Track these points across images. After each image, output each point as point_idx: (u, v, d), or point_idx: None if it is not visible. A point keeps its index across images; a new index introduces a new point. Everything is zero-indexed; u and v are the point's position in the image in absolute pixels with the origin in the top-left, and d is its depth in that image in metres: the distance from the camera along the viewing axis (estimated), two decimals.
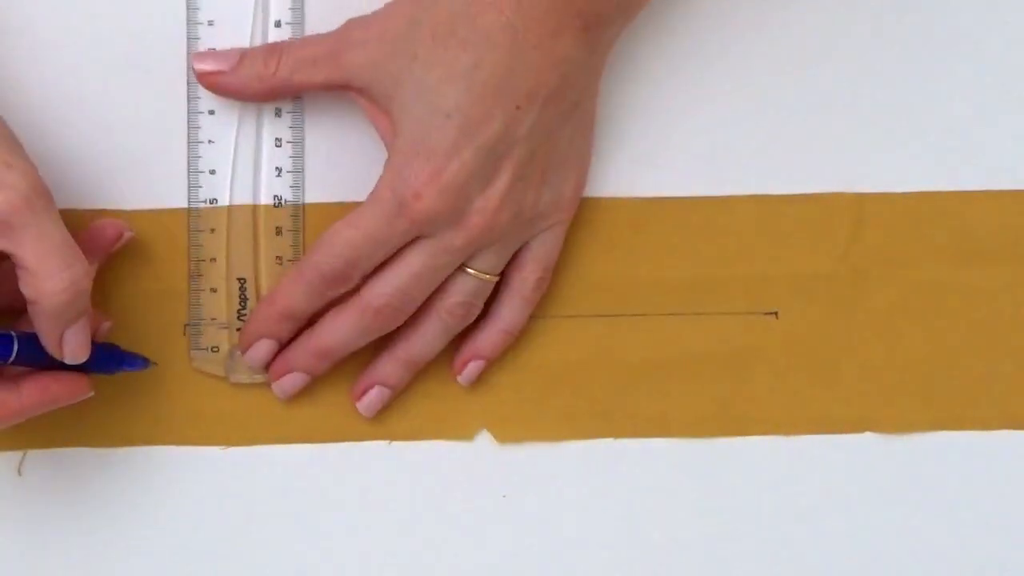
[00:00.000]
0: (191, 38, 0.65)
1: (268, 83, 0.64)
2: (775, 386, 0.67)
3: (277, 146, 0.66)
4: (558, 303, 0.67)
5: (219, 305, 0.66)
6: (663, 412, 0.67)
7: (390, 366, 0.66)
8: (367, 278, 0.63)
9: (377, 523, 0.67)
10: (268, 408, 0.67)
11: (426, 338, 0.65)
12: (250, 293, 0.66)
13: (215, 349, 0.66)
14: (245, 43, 0.65)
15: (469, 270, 0.64)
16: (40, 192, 0.59)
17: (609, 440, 0.67)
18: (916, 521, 0.67)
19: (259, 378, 0.66)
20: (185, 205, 0.66)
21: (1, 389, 0.61)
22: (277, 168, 0.66)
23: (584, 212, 0.67)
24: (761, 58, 0.67)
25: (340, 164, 0.66)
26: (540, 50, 0.60)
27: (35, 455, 0.67)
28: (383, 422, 0.67)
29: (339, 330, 0.64)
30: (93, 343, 0.61)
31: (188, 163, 0.66)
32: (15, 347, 0.60)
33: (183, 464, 0.67)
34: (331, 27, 0.63)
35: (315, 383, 0.66)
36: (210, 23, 0.65)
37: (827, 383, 0.67)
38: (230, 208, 0.66)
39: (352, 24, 0.63)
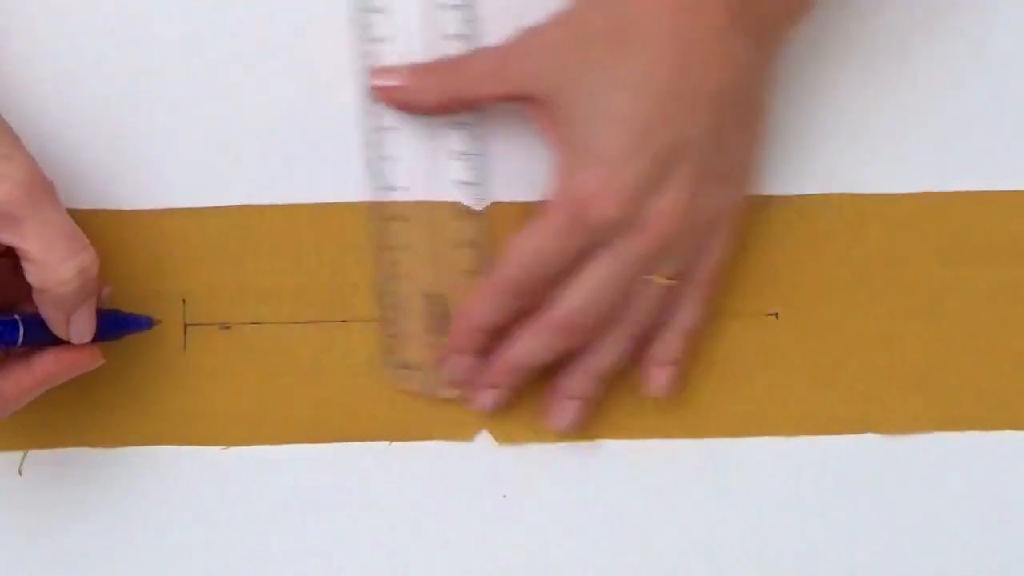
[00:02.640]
0: (363, 54, 0.65)
1: (445, 96, 0.64)
2: (775, 386, 0.67)
3: (459, 159, 0.66)
4: None
5: (413, 320, 0.66)
6: (663, 412, 0.67)
7: (581, 380, 0.65)
8: (554, 290, 0.63)
9: (377, 523, 0.67)
10: (268, 408, 0.67)
11: (615, 349, 0.65)
12: (439, 307, 0.66)
13: (408, 366, 0.66)
14: (418, 57, 0.65)
15: (652, 277, 0.63)
16: (41, 182, 0.59)
17: (610, 440, 0.67)
18: (917, 522, 0.67)
19: (458, 393, 0.66)
20: (368, 212, 0.66)
21: (13, 367, 0.61)
22: (461, 180, 0.66)
23: None
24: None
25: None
26: (710, 53, 0.60)
27: (35, 455, 0.67)
28: (383, 422, 0.67)
29: (531, 348, 0.64)
30: (97, 313, 0.61)
31: (370, 178, 0.66)
32: (21, 331, 0.60)
33: (183, 464, 0.67)
34: (504, 38, 0.63)
35: (314, 383, 0.66)
36: (383, 40, 0.65)
37: (827, 384, 0.67)
38: (416, 220, 0.66)
39: (523, 35, 0.63)
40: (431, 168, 0.66)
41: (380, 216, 0.66)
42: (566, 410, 0.66)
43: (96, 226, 0.66)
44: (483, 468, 0.67)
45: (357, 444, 0.67)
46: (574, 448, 0.67)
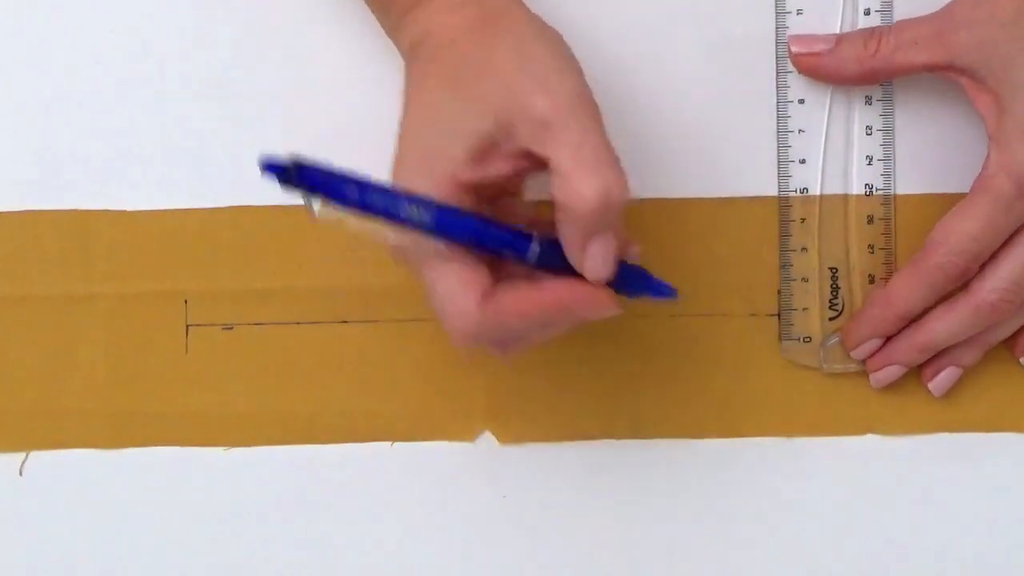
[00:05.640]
0: (780, 27, 0.66)
1: (867, 65, 0.64)
2: (776, 387, 0.67)
3: (867, 134, 0.66)
4: None
5: (810, 295, 0.66)
6: (663, 413, 0.67)
7: (975, 352, 0.65)
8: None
9: (378, 523, 0.67)
10: (270, 409, 0.67)
11: (1016, 324, 0.65)
12: (842, 283, 0.66)
13: (807, 339, 0.66)
14: (834, 31, 0.66)
15: None
16: (585, 99, 0.57)
17: (610, 441, 0.67)
18: (918, 523, 0.67)
19: (853, 367, 0.66)
20: (775, 194, 0.66)
21: (522, 284, 0.58)
22: (868, 156, 0.66)
23: None
24: (758, 59, 0.67)
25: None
26: None
27: (36, 456, 0.67)
28: (385, 423, 0.67)
29: (948, 326, 0.64)
30: (621, 266, 0.59)
31: (778, 153, 0.66)
32: (535, 246, 0.58)
33: (183, 464, 0.67)
34: (920, 13, 0.64)
35: (316, 384, 0.66)
36: (799, 12, 0.66)
37: (828, 384, 0.67)
38: (821, 197, 0.66)
39: (957, 5, 0.63)
40: (837, 144, 0.66)
41: (785, 188, 0.66)
42: (950, 377, 0.66)
43: (97, 226, 0.66)
44: (484, 468, 0.67)
45: (359, 445, 0.67)
46: (574, 448, 0.67)
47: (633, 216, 0.66)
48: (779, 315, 0.67)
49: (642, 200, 0.67)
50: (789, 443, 0.67)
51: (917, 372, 0.67)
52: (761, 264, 0.67)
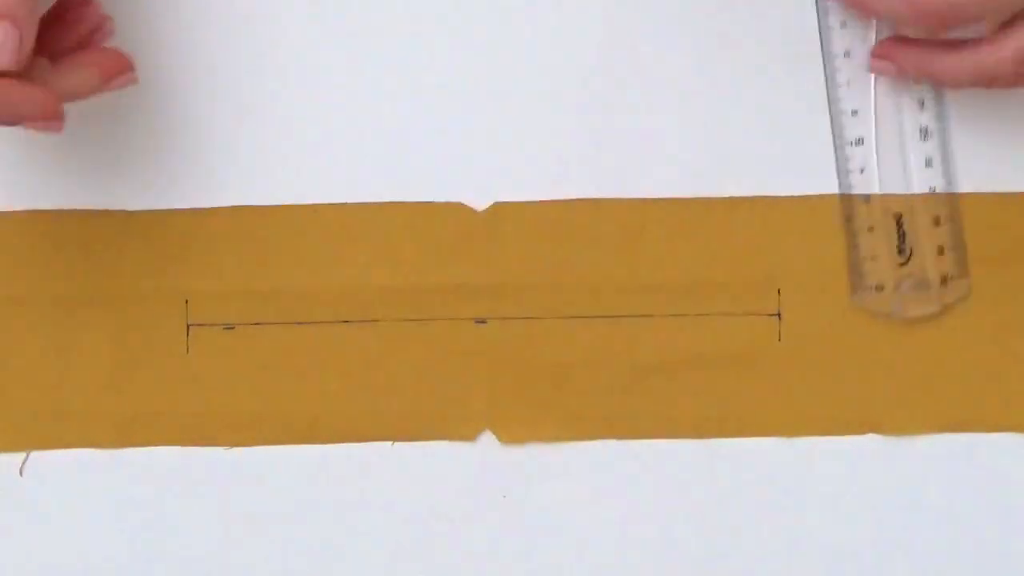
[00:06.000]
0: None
1: None
2: (777, 387, 0.67)
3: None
4: (558, 303, 0.67)
5: (877, 243, 0.67)
6: (664, 413, 0.67)
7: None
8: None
9: (378, 523, 0.67)
10: (271, 408, 0.67)
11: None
12: (908, 228, 0.66)
13: (880, 288, 0.67)
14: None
15: None
16: None
17: (611, 441, 0.67)
18: (919, 523, 0.67)
19: (931, 309, 0.66)
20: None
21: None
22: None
23: (584, 212, 0.67)
24: (760, 57, 0.67)
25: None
26: None
27: (36, 456, 0.67)
28: (386, 423, 0.67)
29: None
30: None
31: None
32: None
33: (186, 464, 0.67)
34: None
35: (317, 383, 0.66)
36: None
37: (829, 384, 0.67)
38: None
39: None
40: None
41: (841, 140, 0.67)
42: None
43: (98, 226, 0.66)
44: (484, 468, 0.67)
45: (359, 444, 0.67)
46: (574, 448, 0.67)
47: (631, 216, 0.67)
48: (849, 267, 0.67)
49: (642, 200, 0.67)
50: (789, 443, 0.67)
51: (918, 373, 0.67)
52: (761, 264, 0.67)
